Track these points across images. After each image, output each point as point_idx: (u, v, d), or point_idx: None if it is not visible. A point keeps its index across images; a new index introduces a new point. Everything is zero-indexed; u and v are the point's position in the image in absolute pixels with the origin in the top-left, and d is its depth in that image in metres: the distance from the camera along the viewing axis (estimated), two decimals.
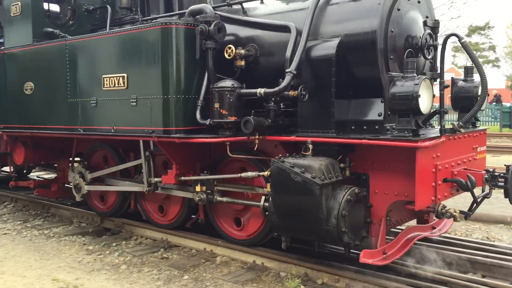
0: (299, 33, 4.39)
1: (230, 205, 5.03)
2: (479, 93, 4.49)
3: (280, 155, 4.22)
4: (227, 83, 4.55)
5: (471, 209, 4.17)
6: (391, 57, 4.12)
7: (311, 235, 4.16)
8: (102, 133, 5.31)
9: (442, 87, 3.99)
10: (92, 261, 5.07)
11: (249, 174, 4.60)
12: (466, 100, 4.68)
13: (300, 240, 4.71)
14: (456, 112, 4.86)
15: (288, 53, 4.36)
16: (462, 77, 4.82)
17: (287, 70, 4.26)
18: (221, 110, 4.48)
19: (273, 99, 4.41)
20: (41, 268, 4.90)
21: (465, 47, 4.16)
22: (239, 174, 4.71)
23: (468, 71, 4.80)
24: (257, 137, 4.44)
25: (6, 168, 7.86)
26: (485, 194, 4.17)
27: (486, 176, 4.16)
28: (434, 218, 4.99)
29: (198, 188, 4.92)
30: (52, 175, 8.71)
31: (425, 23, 4.48)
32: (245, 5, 5.08)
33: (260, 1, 5.31)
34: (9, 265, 4.98)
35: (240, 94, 4.49)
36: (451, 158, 4.14)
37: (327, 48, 4.23)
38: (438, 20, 4.67)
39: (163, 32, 4.64)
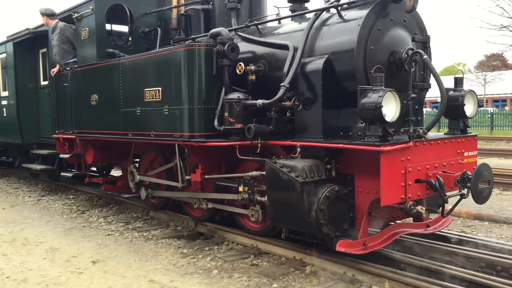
0: (297, 51, 5.06)
1: None
2: (464, 102, 5.06)
3: (274, 157, 4.93)
4: (235, 95, 5.29)
5: (442, 207, 4.71)
6: (371, 71, 4.52)
7: (299, 226, 4.84)
8: (144, 138, 6.34)
9: (410, 98, 4.43)
10: (186, 264, 5.27)
11: (254, 173, 5.27)
12: (454, 108, 5.14)
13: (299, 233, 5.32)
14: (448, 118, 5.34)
15: (285, 69, 5.04)
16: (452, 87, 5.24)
17: (281, 84, 4.96)
18: (230, 118, 5.26)
19: (273, 108, 5.11)
20: (139, 269, 5.16)
21: (426, 63, 4.64)
22: (244, 174, 5.40)
23: (457, 81, 5.24)
24: (259, 141, 5.16)
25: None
26: (460, 194, 4.58)
27: (458, 178, 4.53)
28: (430, 217, 5.41)
29: (241, 189, 5.47)
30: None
31: (413, 39, 4.99)
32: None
33: (277, 22, 6.05)
34: (111, 264, 5.30)
35: (245, 104, 5.22)
36: (426, 161, 4.60)
37: (316, 64, 4.87)
38: (428, 35, 5.18)
39: (188, 52, 5.53)
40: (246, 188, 5.42)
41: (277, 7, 6.13)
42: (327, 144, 4.69)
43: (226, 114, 5.31)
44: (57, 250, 5.82)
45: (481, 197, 4.59)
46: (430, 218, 5.43)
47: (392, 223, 5.29)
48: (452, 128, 5.30)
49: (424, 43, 5.15)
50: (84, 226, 7.02)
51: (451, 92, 5.17)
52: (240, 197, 5.46)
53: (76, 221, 7.40)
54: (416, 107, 5.20)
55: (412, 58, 4.57)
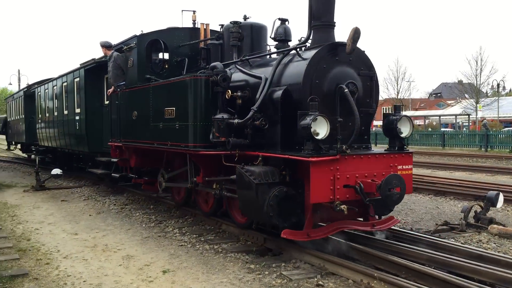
0: (272, 82, 6.62)
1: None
2: (399, 125, 6.45)
3: (243, 164, 6.28)
4: (220, 115, 6.80)
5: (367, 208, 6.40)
6: (317, 99, 5.76)
7: (257, 217, 6.37)
8: (164, 147, 8.10)
9: (337, 121, 5.94)
10: (251, 280, 5.41)
11: (232, 177, 6.61)
12: (391, 130, 6.54)
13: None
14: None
15: (257, 95, 6.55)
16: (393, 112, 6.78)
17: (251, 107, 6.48)
18: (216, 133, 6.80)
19: (249, 126, 6.56)
20: (206, 281, 5.41)
21: (346, 96, 6.00)
22: (228, 177, 6.89)
23: (396, 108, 6.67)
24: (237, 151, 6.66)
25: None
26: (378, 198, 5.82)
27: (378, 185, 5.71)
28: (377, 217, 6.72)
29: (214, 186, 7.41)
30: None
31: (358, 74, 6.44)
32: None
33: (268, 56, 7.60)
34: (180, 275, 5.65)
35: (227, 122, 6.69)
36: (356, 171, 5.91)
37: (277, 94, 6.39)
38: (373, 71, 6.64)
39: (193, 81, 7.23)
40: (218, 185, 7.29)
41: (268, 45, 8.01)
42: (274, 154, 6.16)
43: (213, 129, 6.89)
44: (132, 257, 6.52)
45: (391, 201, 5.82)
46: (377, 219, 6.75)
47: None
48: (391, 146, 6.61)
49: (370, 77, 6.57)
50: (159, 236, 7.69)
51: (391, 117, 6.51)
52: (213, 192, 7.42)
53: (153, 230, 8.13)
54: (363, 128, 6.48)
55: (338, 91, 6.07)
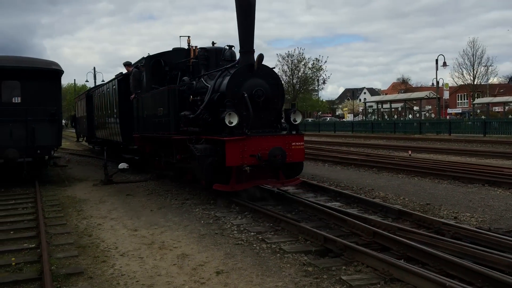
0: (213, 89, 10.07)
1: None
2: (292, 116, 9.97)
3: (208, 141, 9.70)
4: (183, 112, 10.27)
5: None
6: (235, 101, 9.34)
7: (200, 177, 9.87)
8: (159, 135, 12.00)
9: (243, 115, 9.39)
10: (308, 285, 5.15)
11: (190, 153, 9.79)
12: (289, 120, 10.01)
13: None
14: None
15: (205, 98, 10.03)
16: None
17: (200, 106, 9.96)
18: (181, 124, 10.28)
19: (200, 119, 9.85)
20: (260, 284, 5.21)
21: (246, 99, 9.38)
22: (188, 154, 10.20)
23: (292, 106, 10.38)
24: (192, 136, 9.87)
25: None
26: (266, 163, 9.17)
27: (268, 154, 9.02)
28: (285, 177, 9.85)
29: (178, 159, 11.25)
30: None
31: (267, 83, 9.71)
32: None
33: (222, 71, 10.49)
34: (233, 277, 5.46)
35: (187, 117, 10.04)
36: (258, 146, 9.15)
37: (212, 97, 9.90)
38: (278, 81, 10.11)
39: (170, 90, 11.10)
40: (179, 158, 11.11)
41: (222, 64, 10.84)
42: (209, 137, 9.70)
43: (181, 122, 10.33)
44: (187, 256, 6.40)
45: (275, 163, 9.08)
46: (285, 179, 9.89)
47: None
48: (289, 130, 10.00)
49: (276, 84, 10.01)
50: (216, 233, 7.54)
51: (288, 111, 10.05)
52: (175, 162, 11.56)
53: (211, 227, 8.00)
54: (272, 118, 10.02)
55: (242, 96, 9.47)
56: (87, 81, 60.48)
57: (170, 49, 13.38)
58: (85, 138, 28.83)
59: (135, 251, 6.75)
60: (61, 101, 15.83)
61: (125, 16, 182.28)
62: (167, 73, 12.73)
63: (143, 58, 13.27)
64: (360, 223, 7.32)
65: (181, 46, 13.43)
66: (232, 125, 8.97)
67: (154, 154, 13.64)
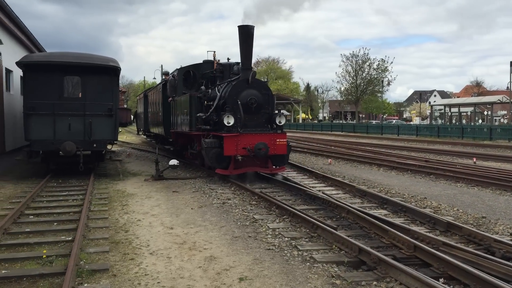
0: (220, 97, 13.42)
1: None
2: (276, 119, 13.26)
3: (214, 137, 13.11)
4: (199, 114, 13.78)
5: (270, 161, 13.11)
6: (235, 105, 12.68)
7: (208, 163, 13.15)
8: (184, 131, 15.64)
9: (237, 117, 12.77)
10: None
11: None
12: (275, 121, 13.26)
13: None
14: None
15: (214, 103, 13.36)
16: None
17: (210, 110, 13.43)
18: (197, 123, 14.05)
19: (211, 119, 13.26)
20: None
21: (239, 106, 12.85)
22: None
23: (278, 111, 13.71)
24: (205, 132, 13.45)
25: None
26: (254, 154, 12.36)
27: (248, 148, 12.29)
28: (274, 166, 13.02)
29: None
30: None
31: (260, 92, 13.04)
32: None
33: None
34: (255, 284, 5.32)
35: (201, 117, 13.60)
36: (250, 141, 12.34)
37: (219, 102, 13.33)
38: (268, 91, 13.44)
39: (191, 97, 14.61)
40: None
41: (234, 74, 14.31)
42: (213, 133, 13.06)
43: (196, 121, 14.02)
44: (215, 259, 6.27)
45: (259, 154, 12.20)
46: (275, 167, 13.14)
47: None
48: (274, 129, 13.14)
49: (267, 94, 13.27)
50: (250, 236, 7.37)
51: (273, 115, 13.25)
52: (192, 151, 15.28)
53: (245, 229, 7.83)
54: (264, 120, 13.22)
55: (235, 102, 12.78)
56: (154, 78, 62.50)
57: (201, 61, 17.15)
58: (143, 132, 33.50)
59: (165, 250, 6.70)
60: (118, 96, 16.31)
61: (196, 16, 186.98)
62: (196, 81, 16.27)
63: (177, 69, 17.59)
64: (401, 234, 6.85)
65: (210, 59, 16.72)
66: (229, 124, 12.42)
67: (184, 146, 17.17)
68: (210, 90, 14.17)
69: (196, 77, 16.42)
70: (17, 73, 16.05)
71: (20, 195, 11.15)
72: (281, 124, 13.04)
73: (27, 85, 13.80)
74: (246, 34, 12.86)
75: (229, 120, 12.27)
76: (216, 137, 12.72)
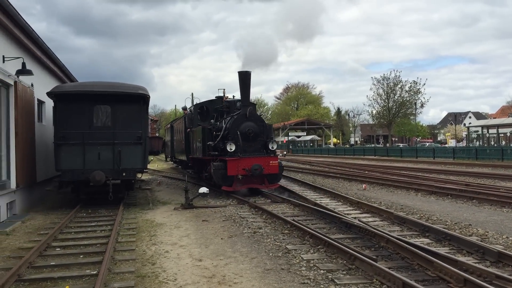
0: (225, 128, 16.72)
1: None
2: (269, 145, 16.53)
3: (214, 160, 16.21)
4: (208, 142, 16.89)
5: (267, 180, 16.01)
6: (236, 135, 15.92)
7: (216, 182, 15.77)
8: (199, 157, 18.88)
9: (237, 144, 16.05)
10: None
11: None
12: (267, 146, 16.58)
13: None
14: None
15: (221, 134, 16.57)
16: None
17: (217, 139, 16.55)
18: (208, 150, 17.03)
19: (218, 146, 16.32)
20: None
21: (239, 136, 16.15)
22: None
23: (271, 139, 16.92)
24: (213, 157, 16.30)
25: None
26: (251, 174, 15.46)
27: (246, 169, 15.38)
28: (269, 183, 15.83)
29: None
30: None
31: (256, 124, 16.37)
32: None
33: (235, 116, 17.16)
34: None
35: (209, 145, 16.76)
36: (249, 162, 15.35)
37: (224, 134, 16.46)
38: (263, 124, 16.68)
39: (203, 128, 17.91)
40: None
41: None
42: (221, 157, 15.92)
43: (207, 148, 17.05)
44: None
45: (255, 174, 15.25)
46: (268, 184, 15.91)
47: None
48: (268, 152, 16.24)
49: (262, 125, 16.53)
50: (283, 269, 6.90)
51: (267, 141, 16.40)
52: (205, 173, 17.86)
53: (278, 261, 7.37)
54: (259, 146, 16.23)
55: (236, 133, 16.07)
56: (184, 106, 63.13)
57: (214, 97, 21.01)
58: (170, 158, 37.15)
59: (193, 285, 6.30)
60: (148, 124, 16.30)
61: (226, 44, 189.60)
62: (209, 114, 19.80)
63: (192, 105, 23.87)
64: (448, 266, 6.27)
65: (220, 95, 20.69)
66: (231, 150, 15.54)
67: (199, 169, 20.42)
68: (218, 123, 17.45)
69: (209, 111, 19.94)
70: (50, 104, 16.20)
71: (49, 226, 11.00)
72: (273, 149, 16.27)
73: (57, 115, 13.85)
74: (244, 77, 16.02)
75: (231, 147, 15.43)
76: (222, 160, 15.53)
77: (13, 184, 13.18)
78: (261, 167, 15.16)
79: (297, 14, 17.37)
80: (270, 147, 16.11)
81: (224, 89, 20.24)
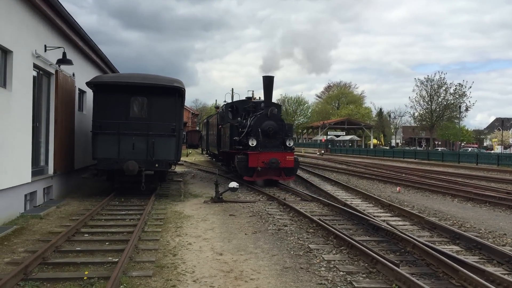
0: (249, 125, 18.92)
1: None
2: (286, 141, 18.48)
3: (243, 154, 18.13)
4: (234, 137, 19.15)
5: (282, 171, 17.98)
6: (257, 132, 18.05)
7: (240, 172, 17.99)
8: (227, 150, 20.62)
9: (258, 140, 18.24)
10: None
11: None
12: (285, 143, 18.50)
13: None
14: None
15: (245, 130, 18.76)
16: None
17: (242, 135, 18.82)
18: (234, 144, 19.21)
19: (243, 141, 18.49)
20: None
21: (259, 132, 18.28)
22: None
23: (288, 136, 19.19)
24: (238, 151, 18.54)
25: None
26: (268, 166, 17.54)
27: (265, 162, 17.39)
28: (285, 176, 17.81)
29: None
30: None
31: (276, 123, 18.43)
32: None
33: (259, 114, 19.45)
34: None
35: (236, 140, 19.02)
36: (268, 156, 17.40)
37: (249, 130, 18.69)
38: (282, 122, 18.72)
39: (231, 125, 20.23)
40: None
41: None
42: (244, 151, 17.93)
43: (233, 143, 19.20)
44: None
45: (272, 166, 17.27)
46: (285, 176, 17.83)
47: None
48: (285, 148, 18.17)
49: (281, 124, 18.51)
50: (302, 268, 6.82)
51: (284, 138, 18.35)
52: (232, 165, 19.71)
53: (298, 260, 7.29)
54: (278, 142, 18.22)
55: (257, 130, 18.23)
56: (225, 101, 63.67)
57: (244, 98, 24.60)
58: (205, 151, 39.77)
59: (209, 278, 6.30)
60: (182, 117, 16.39)
61: (270, 41, 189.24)
62: (238, 113, 21.97)
63: (224, 104, 26.90)
64: (474, 276, 6.01)
65: (250, 96, 24.66)
66: (253, 145, 17.53)
67: (228, 161, 22.08)
68: (244, 121, 19.72)
69: (239, 110, 22.21)
70: (91, 93, 16.61)
71: (81, 213, 11.30)
72: (290, 145, 18.21)
73: (96, 104, 14.19)
74: (267, 81, 18.45)
75: (252, 142, 17.55)
76: (245, 154, 17.67)
77: (50, 170, 13.61)
78: (277, 161, 17.09)
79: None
80: (287, 144, 18.07)
81: (253, 91, 24.07)
